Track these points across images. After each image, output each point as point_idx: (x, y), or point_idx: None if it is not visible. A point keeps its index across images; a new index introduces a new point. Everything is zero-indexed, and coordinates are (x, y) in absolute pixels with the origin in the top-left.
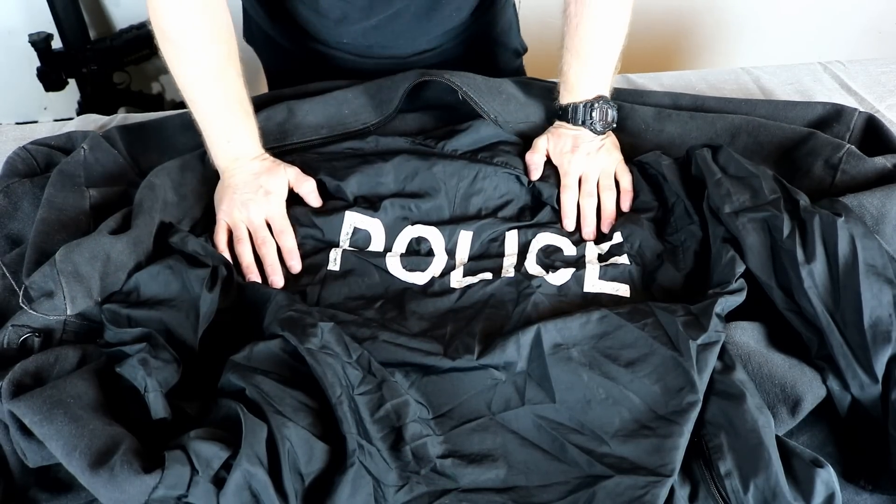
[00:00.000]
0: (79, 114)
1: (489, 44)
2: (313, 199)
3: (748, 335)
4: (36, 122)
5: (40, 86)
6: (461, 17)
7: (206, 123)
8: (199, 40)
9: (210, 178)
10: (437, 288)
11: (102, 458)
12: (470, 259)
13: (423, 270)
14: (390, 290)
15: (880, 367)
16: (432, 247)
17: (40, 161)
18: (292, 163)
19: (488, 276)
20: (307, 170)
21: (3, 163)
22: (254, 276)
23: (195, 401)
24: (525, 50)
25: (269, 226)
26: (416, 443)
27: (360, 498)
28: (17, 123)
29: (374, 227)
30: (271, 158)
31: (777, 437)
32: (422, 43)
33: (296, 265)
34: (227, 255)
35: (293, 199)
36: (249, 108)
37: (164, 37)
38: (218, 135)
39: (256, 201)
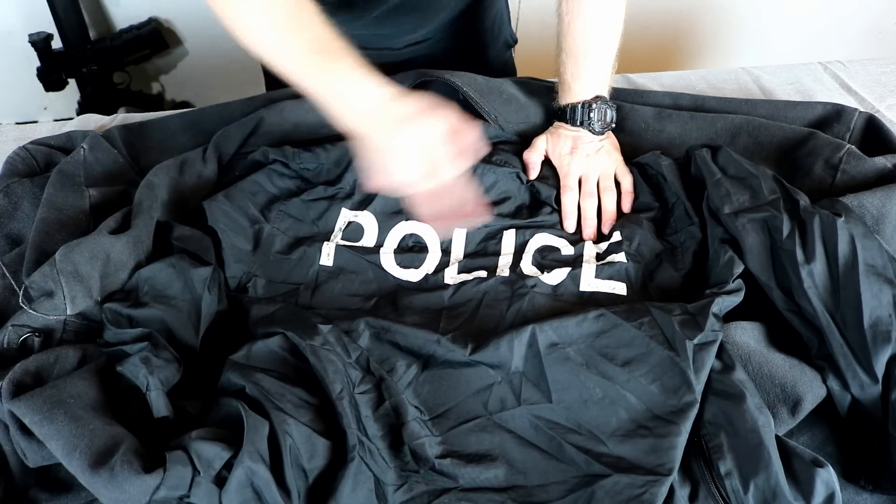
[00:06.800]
0: (79, 114)
1: (480, 34)
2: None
3: (748, 335)
4: (36, 122)
5: (40, 86)
6: (458, 6)
7: (338, 80)
8: None
9: (209, 177)
10: (431, 284)
11: (103, 458)
12: (465, 256)
13: (417, 267)
14: (384, 286)
15: (880, 367)
16: (427, 243)
17: (40, 161)
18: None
19: (483, 273)
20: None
21: (3, 163)
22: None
23: (196, 400)
24: (515, 41)
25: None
26: (414, 442)
27: (361, 493)
28: (17, 123)
29: (367, 222)
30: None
31: (777, 437)
32: (417, 34)
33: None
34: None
35: (290, 194)
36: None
37: None
38: (363, 84)
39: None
